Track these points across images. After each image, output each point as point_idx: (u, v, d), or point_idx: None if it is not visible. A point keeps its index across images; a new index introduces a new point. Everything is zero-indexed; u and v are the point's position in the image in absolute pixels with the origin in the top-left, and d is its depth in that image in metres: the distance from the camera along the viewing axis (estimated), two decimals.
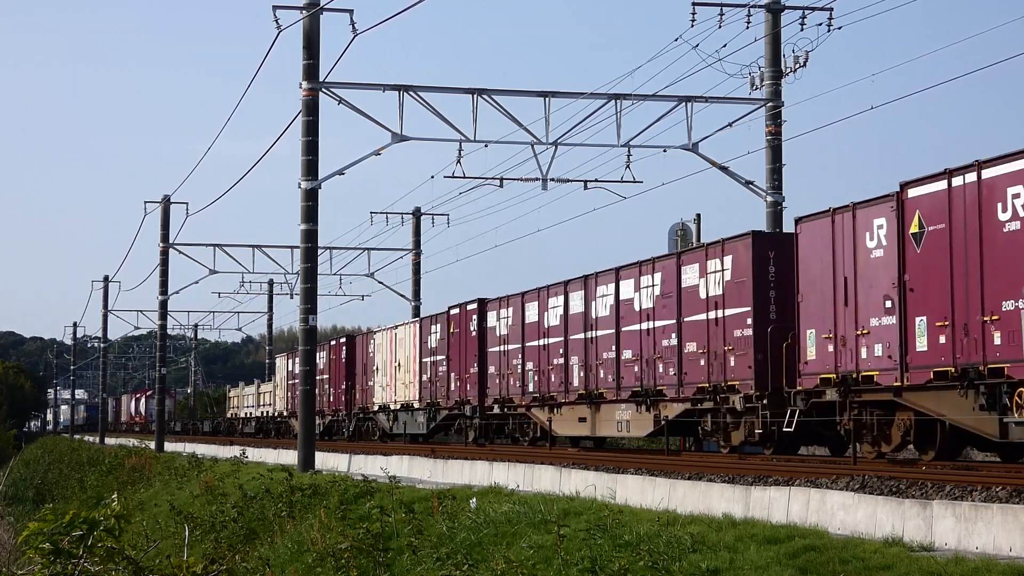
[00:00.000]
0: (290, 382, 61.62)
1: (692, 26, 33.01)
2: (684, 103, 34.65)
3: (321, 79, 32.98)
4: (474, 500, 20.48)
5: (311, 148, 32.83)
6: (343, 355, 54.05)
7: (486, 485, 23.51)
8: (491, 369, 38.60)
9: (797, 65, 33.46)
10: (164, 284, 61.49)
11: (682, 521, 15.91)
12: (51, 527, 10.49)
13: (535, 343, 35.54)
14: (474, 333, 39.73)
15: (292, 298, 71.48)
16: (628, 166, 35.82)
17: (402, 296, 60.54)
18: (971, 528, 13.12)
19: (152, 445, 64.01)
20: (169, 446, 63.85)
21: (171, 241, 60.39)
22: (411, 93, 33.82)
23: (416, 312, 59.71)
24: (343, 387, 53.42)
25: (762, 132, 34.14)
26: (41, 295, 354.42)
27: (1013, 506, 12.99)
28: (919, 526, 13.71)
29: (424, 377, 44.33)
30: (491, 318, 38.76)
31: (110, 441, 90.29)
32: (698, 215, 40.77)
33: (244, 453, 43.16)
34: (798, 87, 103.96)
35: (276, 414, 67.06)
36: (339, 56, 34.52)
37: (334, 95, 33.37)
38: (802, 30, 33.21)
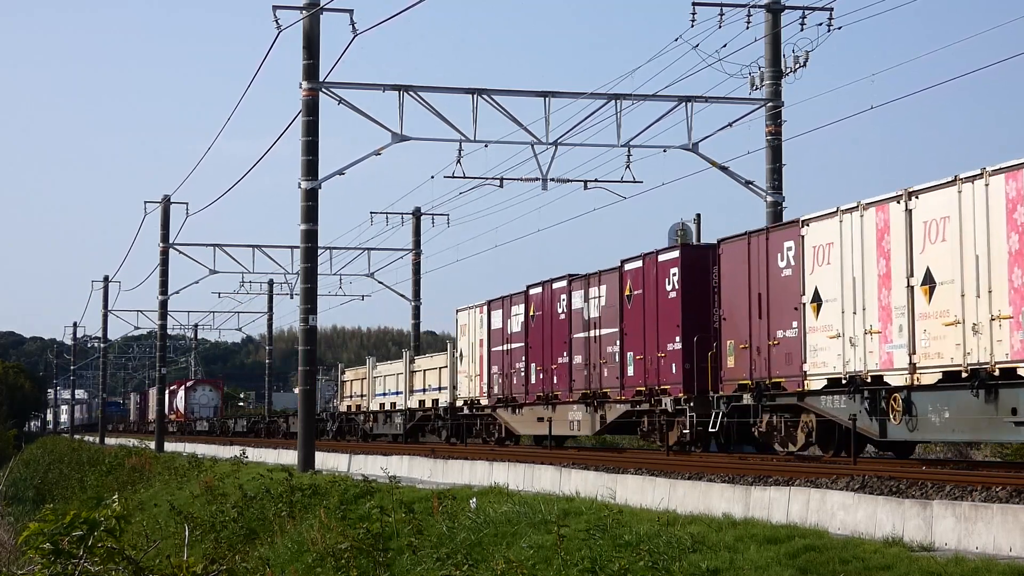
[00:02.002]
0: (499, 348, 38.51)
1: (692, 26, 33.04)
2: (684, 103, 34.66)
3: (321, 79, 32.98)
4: (474, 500, 20.48)
5: (311, 148, 32.83)
6: (674, 283, 28.05)
7: (486, 485, 23.52)
8: None
9: (797, 65, 33.47)
10: (164, 284, 61.51)
11: (682, 521, 15.91)
12: (51, 527, 10.49)
13: None
14: None
15: (292, 298, 71.50)
16: (628, 166, 35.86)
17: (402, 296, 60.59)
18: (971, 528, 13.11)
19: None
20: (169, 446, 63.83)
21: (171, 241, 60.40)
22: (411, 93, 33.82)
23: (416, 313, 59.70)
24: (666, 350, 28.15)
25: (762, 132, 34.16)
26: (41, 295, 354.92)
27: (1013, 506, 12.99)
28: (919, 526, 13.71)
29: None
30: None
31: (112, 441, 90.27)
32: (698, 215, 40.73)
33: (244, 453, 43.18)
34: (798, 87, 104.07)
35: (461, 403, 42.31)
36: (339, 56, 34.58)
37: (334, 95, 33.37)
38: (802, 30, 33.25)
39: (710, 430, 26.81)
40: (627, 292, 30.07)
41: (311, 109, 32.93)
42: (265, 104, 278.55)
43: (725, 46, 34.01)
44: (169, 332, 77.11)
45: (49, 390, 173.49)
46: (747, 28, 33.30)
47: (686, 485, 18.43)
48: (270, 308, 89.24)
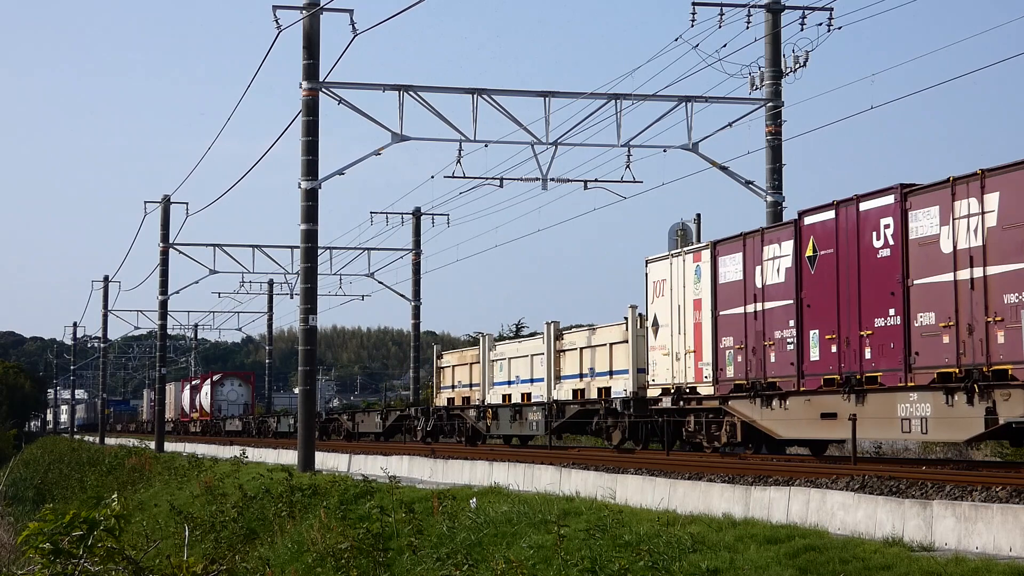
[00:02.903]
0: (735, 311, 26.86)
1: (692, 26, 33.06)
2: (684, 103, 34.66)
3: (321, 79, 32.97)
4: (474, 500, 20.48)
5: (311, 148, 32.82)
6: None
7: (486, 485, 23.51)
8: None
9: (797, 65, 33.49)
10: (164, 284, 61.50)
11: (682, 521, 15.91)
12: (51, 527, 10.49)
13: None
14: None
15: (292, 298, 71.51)
16: (628, 166, 35.86)
17: (402, 296, 60.58)
18: (971, 528, 13.11)
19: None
20: (169, 446, 63.85)
21: (171, 241, 60.40)
22: (411, 93, 33.82)
23: (416, 313, 59.64)
24: None
25: (762, 132, 34.17)
26: (41, 295, 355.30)
27: (1013, 506, 12.99)
28: (919, 526, 13.71)
29: None
30: None
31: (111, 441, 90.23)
32: (698, 215, 40.62)
33: (244, 453, 43.16)
34: (798, 87, 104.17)
35: (657, 392, 29.84)
36: (339, 56, 34.58)
37: (334, 95, 33.37)
38: (802, 30, 33.26)
39: None
40: None
41: (311, 109, 32.92)
42: (265, 104, 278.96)
43: (725, 46, 34.07)
44: (169, 332, 77.06)
45: (49, 390, 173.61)
46: (747, 28, 33.34)
47: (686, 485, 18.42)
48: (270, 308, 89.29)
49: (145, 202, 62.08)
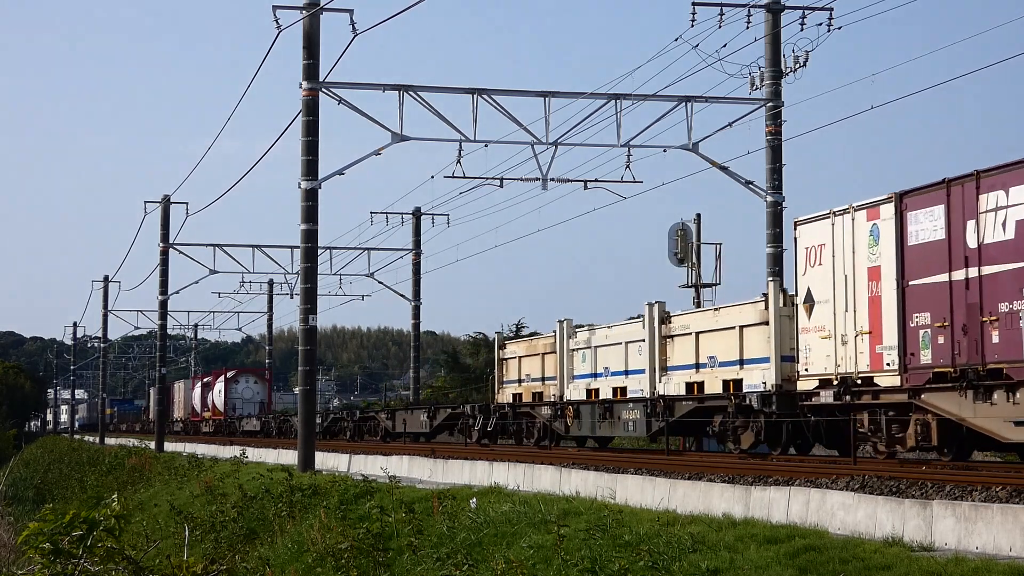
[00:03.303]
0: (933, 279, 21.28)
1: (692, 26, 33.11)
2: (684, 103, 34.66)
3: (321, 79, 32.97)
4: (474, 500, 20.49)
5: (311, 148, 32.81)
6: None
7: (486, 485, 23.52)
8: None
9: (797, 65, 33.52)
10: (164, 284, 61.54)
11: (682, 521, 15.91)
12: (51, 527, 10.49)
13: None
14: None
15: (292, 298, 71.55)
16: (628, 166, 35.85)
17: (402, 296, 60.58)
18: (971, 528, 13.11)
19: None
20: (169, 446, 63.87)
21: (171, 241, 60.44)
22: (411, 93, 33.82)
23: (416, 313, 59.63)
24: None
25: (762, 132, 34.19)
26: (41, 295, 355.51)
27: (1013, 506, 12.99)
28: (919, 526, 13.71)
29: None
30: None
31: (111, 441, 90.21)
32: (698, 215, 40.76)
33: (244, 453, 43.17)
34: (798, 87, 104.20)
35: (813, 384, 24.42)
36: (339, 56, 34.55)
37: (334, 95, 33.37)
38: (802, 30, 33.30)
39: None
40: None
41: (311, 109, 32.91)
42: (265, 104, 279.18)
43: (725, 46, 34.09)
44: (169, 332, 77.09)
45: (49, 390, 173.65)
46: (747, 28, 33.39)
47: (686, 485, 18.42)
48: (270, 308, 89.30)
49: (145, 202, 62.22)
